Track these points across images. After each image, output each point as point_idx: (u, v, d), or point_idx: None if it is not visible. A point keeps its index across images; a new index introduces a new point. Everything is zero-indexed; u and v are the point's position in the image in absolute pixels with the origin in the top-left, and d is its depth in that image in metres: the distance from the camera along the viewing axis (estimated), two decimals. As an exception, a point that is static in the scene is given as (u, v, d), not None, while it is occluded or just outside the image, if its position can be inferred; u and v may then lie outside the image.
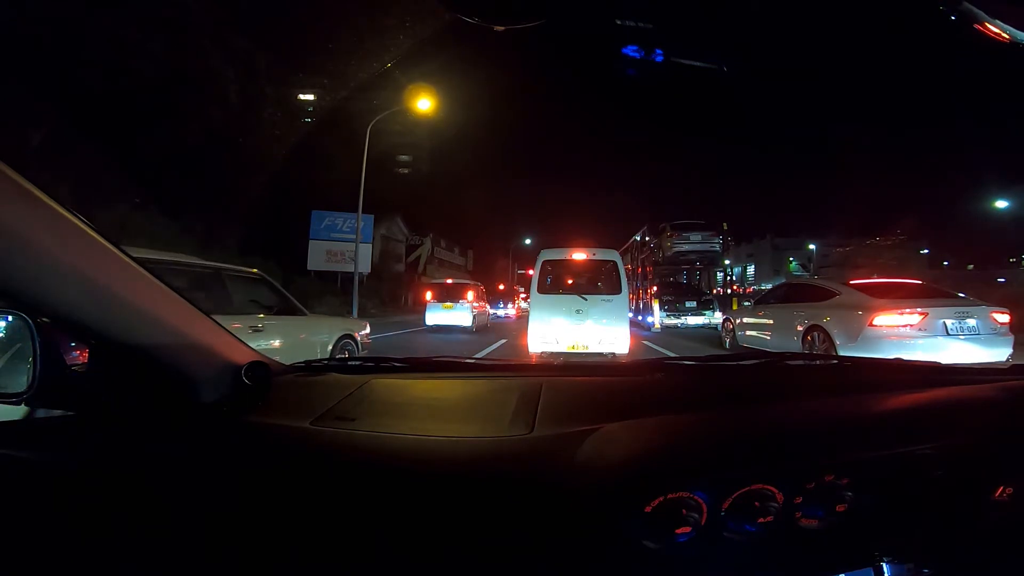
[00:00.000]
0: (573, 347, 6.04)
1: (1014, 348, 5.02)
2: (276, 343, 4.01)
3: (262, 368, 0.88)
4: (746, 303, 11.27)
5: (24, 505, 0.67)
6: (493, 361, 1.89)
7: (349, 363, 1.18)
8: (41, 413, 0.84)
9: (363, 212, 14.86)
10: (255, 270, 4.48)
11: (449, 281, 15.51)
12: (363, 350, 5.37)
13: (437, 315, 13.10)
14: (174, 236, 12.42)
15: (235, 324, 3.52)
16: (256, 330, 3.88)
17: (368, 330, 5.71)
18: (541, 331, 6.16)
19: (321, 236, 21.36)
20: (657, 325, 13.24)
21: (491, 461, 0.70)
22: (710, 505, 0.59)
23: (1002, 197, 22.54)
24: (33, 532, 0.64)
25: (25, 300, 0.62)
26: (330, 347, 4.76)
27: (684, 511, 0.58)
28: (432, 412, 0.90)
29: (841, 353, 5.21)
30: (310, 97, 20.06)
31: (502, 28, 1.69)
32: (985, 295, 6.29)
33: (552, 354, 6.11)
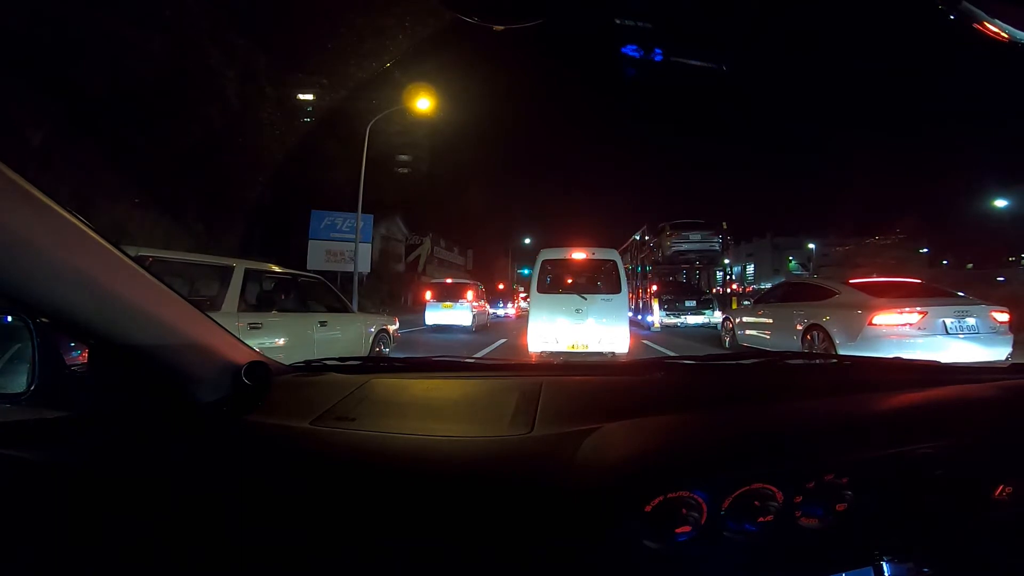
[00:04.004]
0: (573, 346, 6.05)
1: (1014, 347, 5.01)
2: (338, 334, 5.16)
3: (262, 368, 0.88)
4: (746, 302, 11.23)
5: (24, 505, 0.67)
6: (493, 361, 1.88)
7: (349, 363, 1.17)
8: (41, 413, 0.84)
9: (363, 212, 14.81)
10: (317, 276, 5.73)
11: (449, 281, 15.49)
12: (393, 342, 6.57)
13: (437, 314, 13.09)
14: (174, 235, 12.42)
15: (308, 318, 4.81)
16: (323, 324, 4.87)
17: (397, 325, 6.80)
18: (541, 330, 6.16)
19: (321, 236, 21.29)
20: (657, 324, 13.23)
21: (491, 461, 0.70)
22: (710, 505, 0.59)
23: (1001, 196, 22.54)
24: (33, 532, 0.64)
25: (25, 300, 0.62)
26: (372, 337, 5.87)
27: (684, 510, 0.58)
28: (432, 412, 0.90)
29: (841, 352, 5.21)
30: (310, 97, 20.02)
31: (501, 28, 1.69)
32: (985, 294, 6.28)
33: (552, 353, 6.11)
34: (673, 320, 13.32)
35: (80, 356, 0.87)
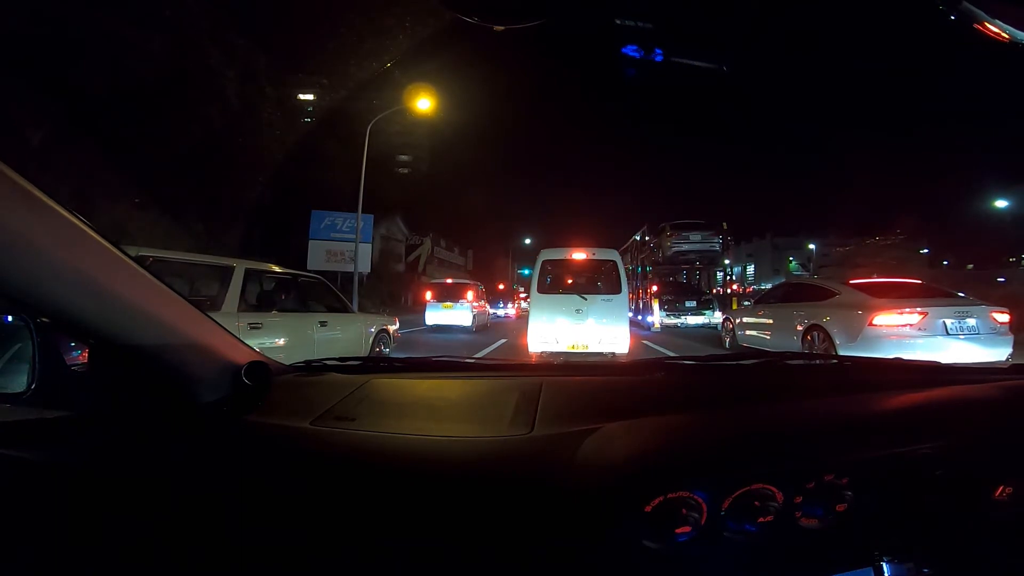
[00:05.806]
0: (573, 347, 6.05)
1: (1014, 348, 5.01)
2: (338, 334, 5.18)
3: (262, 368, 0.88)
4: (746, 303, 11.23)
5: (24, 505, 0.67)
6: (493, 361, 1.88)
7: (349, 363, 1.17)
8: (41, 413, 0.84)
9: (363, 212, 14.81)
10: (317, 276, 5.79)
11: (449, 281, 15.49)
12: (393, 342, 6.59)
13: (437, 315, 13.09)
14: (174, 235, 12.43)
15: (308, 318, 4.83)
16: (323, 324, 4.89)
17: (397, 325, 6.83)
18: (541, 331, 6.16)
19: (321, 236, 21.29)
20: (657, 325, 13.22)
21: (491, 461, 0.70)
22: (710, 505, 0.59)
23: (1002, 196, 22.54)
24: (33, 532, 0.64)
25: (25, 301, 0.61)
26: (372, 338, 5.90)
27: (684, 511, 0.58)
28: (432, 412, 0.90)
29: (841, 353, 5.21)
30: (310, 97, 20.07)
31: (502, 28, 1.69)
32: (985, 295, 6.28)
33: (552, 354, 6.12)
34: (673, 320, 13.32)
35: (80, 356, 0.87)
